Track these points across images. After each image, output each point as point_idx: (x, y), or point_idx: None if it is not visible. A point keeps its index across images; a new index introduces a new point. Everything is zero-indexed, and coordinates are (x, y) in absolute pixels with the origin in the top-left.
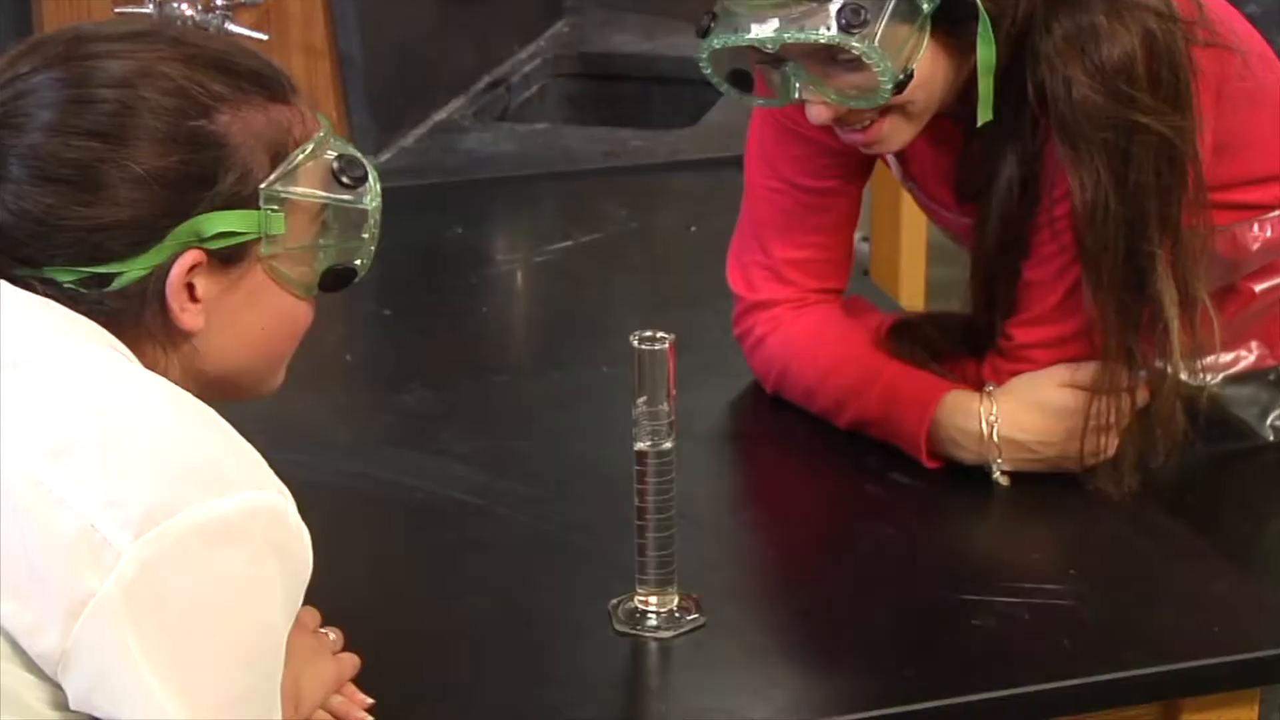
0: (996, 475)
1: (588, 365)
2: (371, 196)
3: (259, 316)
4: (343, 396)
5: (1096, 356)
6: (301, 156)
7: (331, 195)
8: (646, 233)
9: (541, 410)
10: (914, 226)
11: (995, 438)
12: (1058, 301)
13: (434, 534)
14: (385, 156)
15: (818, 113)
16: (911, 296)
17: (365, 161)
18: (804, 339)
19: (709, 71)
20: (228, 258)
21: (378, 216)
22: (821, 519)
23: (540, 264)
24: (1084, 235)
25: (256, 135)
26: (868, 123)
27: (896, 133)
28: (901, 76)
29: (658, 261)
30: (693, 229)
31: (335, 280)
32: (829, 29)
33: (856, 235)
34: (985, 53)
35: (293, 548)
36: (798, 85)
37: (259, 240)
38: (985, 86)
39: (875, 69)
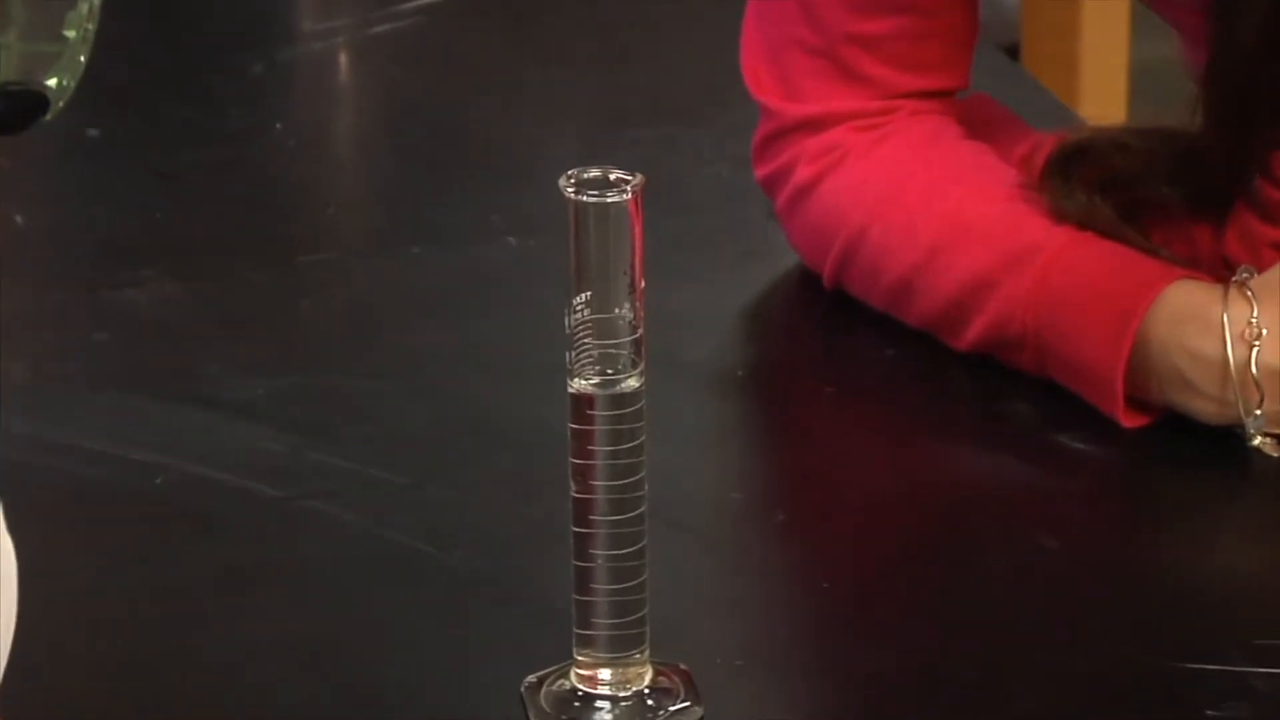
0: (1257, 440)
1: (480, 234)
2: None
3: None
4: (12, 294)
5: None
6: None
7: None
8: None
9: (396, 319)
10: None
11: (1255, 370)
12: None
13: (194, 553)
14: None
15: None
16: (1099, 96)
17: None
18: (888, 186)
19: None
20: None
21: (96, 2)
22: (917, 522)
23: (384, 39)
24: None
25: None
26: None
27: None
28: None
29: (609, 36)
30: None
31: (6, 111)
32: None
33: None
34: None
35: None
36: None
37: None
38: None
39: None
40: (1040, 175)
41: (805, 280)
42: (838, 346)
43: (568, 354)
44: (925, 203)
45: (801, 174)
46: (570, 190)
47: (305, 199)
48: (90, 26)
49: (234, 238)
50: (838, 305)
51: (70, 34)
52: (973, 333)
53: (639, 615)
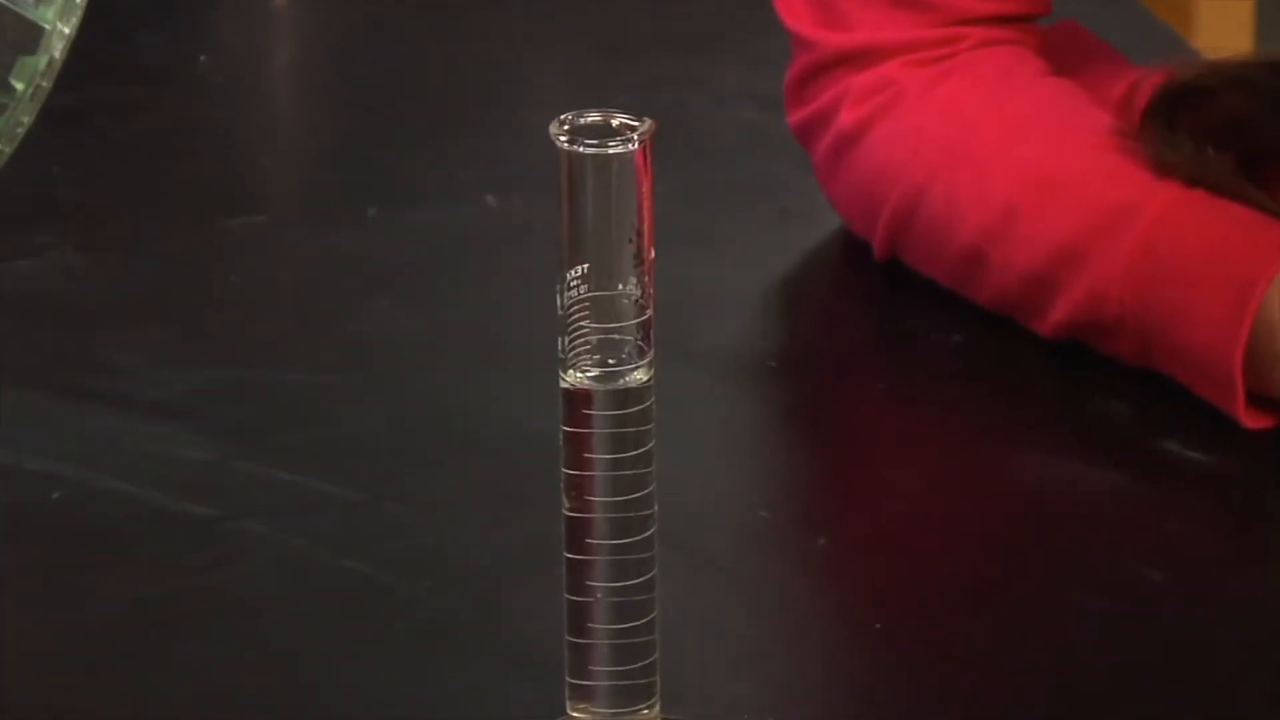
0: None
1: (452, 194)
2: (62, 3)
3: None
4: None
5: None
6: None
7: None
8: None
9: (347, 298)
10: None
11: None
12: None
13: (100, 584)
14: None
15: None
16: (1217, 23)
17: None
18: (953, 134)
19: None
20: None
21: (58, 54)
22: (989, 550)
23: None
24: None
25: None
26: None
27: None
28: None
29: None
30: None
31: None
32: None
33: None
34: None
35: None
36: None
37: None
38: None
39: None
40: (1141, 120)
41: (852, 249)
42: (891, 331)
43: (560, 341)
44: (999, 154)
45: (845, 119)
46: (563, 139)
47: (235, 149)
48: (45, 84)
49: (148, 197)
50: (891, 280)
51: (19, 86)
52: (1058, 313)
53: (647, 662)
